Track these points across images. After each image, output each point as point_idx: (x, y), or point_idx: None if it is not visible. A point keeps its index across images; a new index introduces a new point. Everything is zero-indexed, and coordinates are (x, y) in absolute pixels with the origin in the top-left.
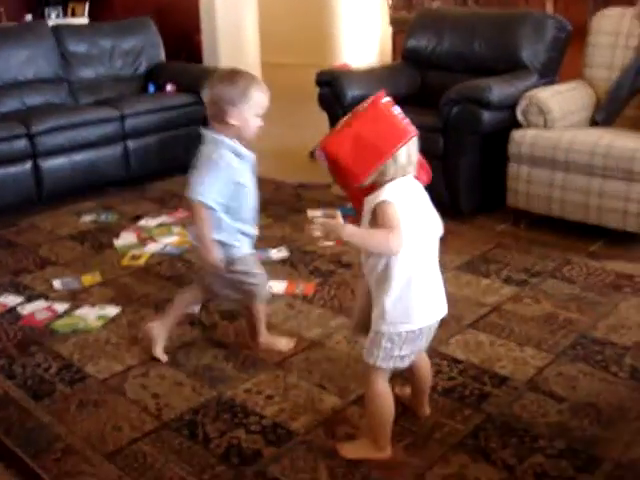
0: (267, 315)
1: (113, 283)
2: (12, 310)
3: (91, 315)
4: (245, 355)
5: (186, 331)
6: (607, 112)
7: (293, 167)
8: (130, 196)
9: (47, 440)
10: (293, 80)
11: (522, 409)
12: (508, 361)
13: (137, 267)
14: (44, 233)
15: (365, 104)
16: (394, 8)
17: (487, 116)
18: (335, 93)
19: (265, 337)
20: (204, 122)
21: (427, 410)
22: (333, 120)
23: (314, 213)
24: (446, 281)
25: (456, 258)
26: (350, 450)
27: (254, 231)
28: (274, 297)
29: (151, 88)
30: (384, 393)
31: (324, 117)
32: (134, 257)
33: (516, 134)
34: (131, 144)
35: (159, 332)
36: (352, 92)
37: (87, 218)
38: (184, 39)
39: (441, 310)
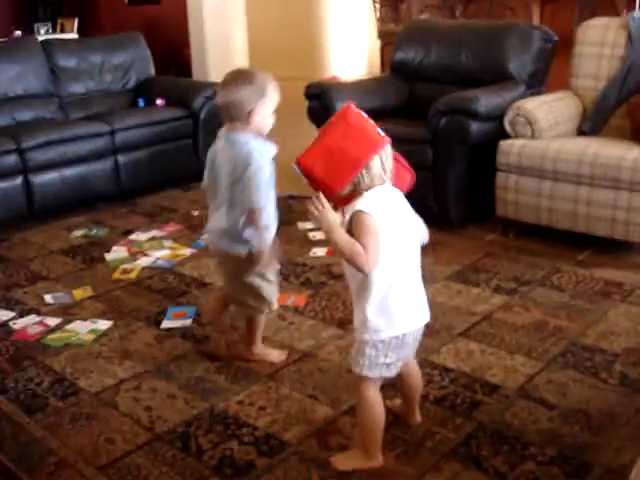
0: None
1: (104, 297)
2: (4, 325)
3: (83, 329)
4: (237, 367)
5: (178, 344)
6: (594, 122)
7: (283, 179)
8: (120, 210)
9: (40, 454)
10: (282, 93)
11: (513, 417)
12: (499, 369)
13: (128, 281)
14: (35, 248)
15: (335, 116)
16: (382, 20)
17: (475, 127)
18: (324, 106)
19: (260, 348)
20: (194, 135)
21: (418, 418)
22: None
23: (305, 225)
24: (436, 291)
25: (446, 268)
26: (342, 462)
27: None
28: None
29: (141, 102)
30: (375, 402)
31: (313, 130)
32: (125, 271)
33: (504, 144)
34: (121, 158)
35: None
36: (341, 105)
37: (78, 233)
38: (173, 53)
39: (423, 316)
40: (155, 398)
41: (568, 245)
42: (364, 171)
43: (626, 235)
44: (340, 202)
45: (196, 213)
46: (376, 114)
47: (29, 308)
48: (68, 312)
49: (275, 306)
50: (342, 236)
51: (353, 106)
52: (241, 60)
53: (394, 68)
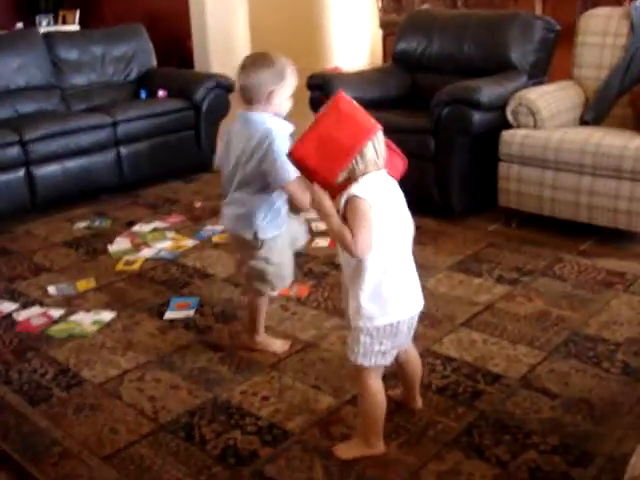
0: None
1: (108, 288)
2: (8, 317)
3: (86, 320)
4: (240, 357)
5: (181, 334)
6: (596, 111)
7: None
8: (123, 202)
9: (44, 445)
10: None
11: (515, 406)
12: (501, 359)
13: (131, 272)
14: (38, 240)
15: (326, 105)
16: (384, 11)
17: (477, 117)
18: (326, 96)
19: (263, 337)
20: (196, 127)
21: (420, 404)
22: None
23: (307, 215)
24: (439, 281)
25: (448, 258)
26: (344, 451)
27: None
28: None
29: (143, 94)
30: (376, 391)
31: None
32: (128, 262)
33: (506, 134)
34: (123, 150)
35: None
36: None
37: (81, 224)
38: (175, 45)
39: (418, 304)
40: (159, 388)
41: (570, 235)
42: (358, 158)
43: (628, 225)
44: (337, 191)
45: (198, 204)
46: (378, 104)
47: (32, 300)
48: (71, 303)
49: (277, 292)
50: (336, 221)
51: (344, 94)
52: (243, 52)
53: (396, 58)
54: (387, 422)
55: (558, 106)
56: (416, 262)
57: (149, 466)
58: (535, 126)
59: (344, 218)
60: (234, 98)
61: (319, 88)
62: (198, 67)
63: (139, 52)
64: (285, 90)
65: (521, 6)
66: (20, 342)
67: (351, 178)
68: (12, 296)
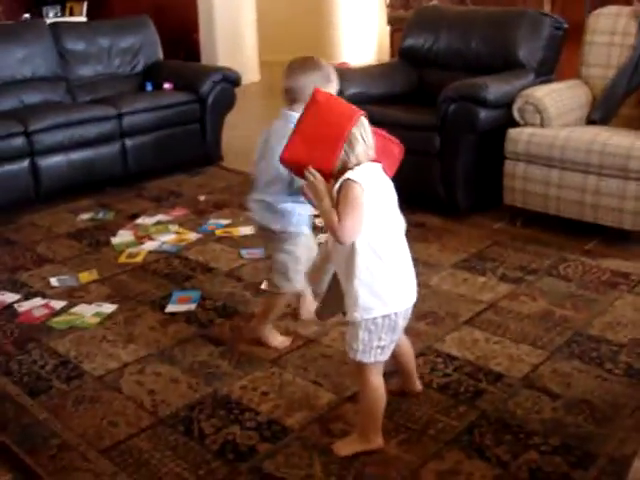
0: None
1: (110, 280)
2: (9, 307)
3: (88, 312)
4: (241, 352)
5: (182, 328)
6: (603, 110)
7: None
8: (127, 194)
9: (43, 436)
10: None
11: (517, 406)
12: (503, 358)
13: (134, 265)
14: (42, 231)
15: (305, 105)
16: (392, 6)
17: (484, 114)
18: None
19: (268, 330)
20: (201, 120)
21: (419, 386)
22: None
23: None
24: (442, 279)
25: (452, 256)
26: (342, 447)
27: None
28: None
29: (149, 86)
30: (378, 386)
31: None
32: (131, 255)
33: (512, 132)
34: (128, 142)
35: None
36: (350, 91)
37: (84, 216)
38: (182, 37)
39: (412, 296)
40: (158, 382)
41: (575, 234)
42: (346, 146)
43: (634, 225)
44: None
45: (202, 198)
46: (384, 100)
47: (35, 291)
48: (73, 295)
49: (296, 289)
50: (327, 204)
51: (320, 89)
52: (250, 46)
53: (403, 54)
54: (387, 420)
55: (565, 105)
56: (420, 259)
57: (147, 460)
58: (542, 124)
59: (338, 203)
60: (240, 92)
61: None
62: (205, 60)
63: (146, 44)
64: (330, 92)
65: (530, 4)
66: (21, 333)
67: (345, 169)
68: (14, 287)
